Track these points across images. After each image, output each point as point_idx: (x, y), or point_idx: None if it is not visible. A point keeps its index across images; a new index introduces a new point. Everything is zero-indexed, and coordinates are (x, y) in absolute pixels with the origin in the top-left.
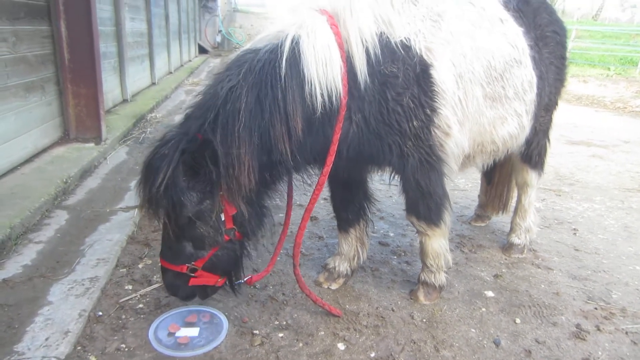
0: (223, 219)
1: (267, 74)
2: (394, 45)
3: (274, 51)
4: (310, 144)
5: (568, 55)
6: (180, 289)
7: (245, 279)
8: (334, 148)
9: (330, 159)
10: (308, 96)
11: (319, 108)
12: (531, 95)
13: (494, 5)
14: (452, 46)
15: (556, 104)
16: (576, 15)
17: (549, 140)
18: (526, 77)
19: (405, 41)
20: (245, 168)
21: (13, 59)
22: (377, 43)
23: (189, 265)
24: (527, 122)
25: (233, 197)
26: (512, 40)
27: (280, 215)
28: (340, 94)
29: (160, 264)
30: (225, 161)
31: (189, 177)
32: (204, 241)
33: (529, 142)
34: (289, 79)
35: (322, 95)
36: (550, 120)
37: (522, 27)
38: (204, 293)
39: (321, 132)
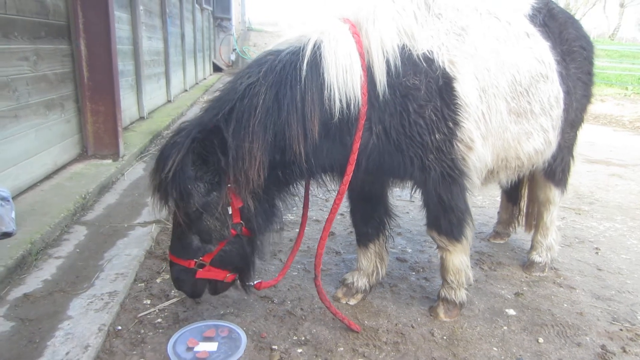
0: (230, 212)
1: (288, 74)
2: (416, 57)
3: (296, 53)
4: (326, 150)
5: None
6: (187, 284)
7: (254, 283)
8: (354, 157)
9: (351, 168)
10: (327, 100)
11: (337, 114)
12: (558, 111)
13: (520, 20)
14: (475, 60)
15: (582, 120)
16: (593, 34)
17: (573, 157)
18: (553, 92)
19: (428, 54)
20: (255, 163)
21: (34, 78)
22: (399, 55)
23: (197, 260)
24: (553, 138)
25: (240, 190)
26: (538, 55)
27: (296, 230)
28: (359, 103)
29: (168, 259)
30: (236, 153)
31: (198, 166)
32: (211, 234)
33: (553, 159)
34: (309, 82)
35: (340, 101)
36: (575, 137)
37: (549, 41)
38: (214, 288)
39: (338, 139)
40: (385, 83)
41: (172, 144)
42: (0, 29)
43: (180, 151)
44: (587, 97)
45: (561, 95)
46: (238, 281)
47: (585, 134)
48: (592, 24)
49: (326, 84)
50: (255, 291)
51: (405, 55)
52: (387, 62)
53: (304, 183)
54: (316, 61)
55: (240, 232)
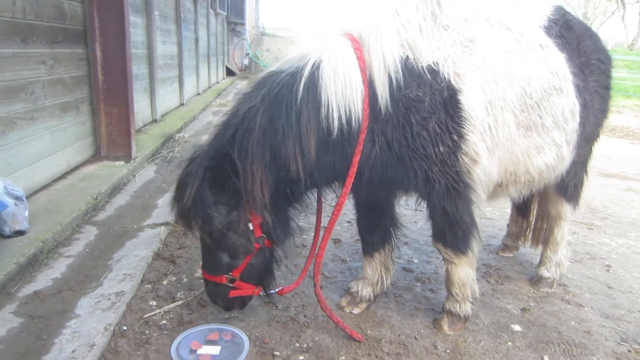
0: (252, 228)
1: (284, 97)
2: (421, 69)
3: (295, 74)
4: (328, 164)
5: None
6: (221, 299)
7: (277, 290)
8: (353, 170)
9: (350, 181)
10: (324, 119)
11: (336, 130)
12: (573, 125)
13: (534, 31)
14: (483, 72)
15: (598, 135)
16: (611, 44)
17: (586, 172)
18: (567, 105)
19: (433, 66)
20: (257, 182)
21: (50, 81)
22: (400, 68)
23: (227, 275)
24: (567, 153)
25: (253, 209)
26: (552, 68)
27: (310, 235)
28: (360, 117)
29: (202, 276)
30: (243, 175)
31: (215, 191)
32: (237, 250)
33: (566, 174)
34: (305, 102)
35: (339, 118)
36: (589, 152)
37: (565, 53)
38: (242, 303)
39: (340, 153)
40: (388, 96)
41: (187, 173)
42: (19, 34)
43: (196, 180)
44: (604, 111)
45: (577, 108)
46: (262, 292)
47: (601, 146)
48: (610, 33)
49: (323, 103)
50: (277, 297)
51: (409, 67)
52: (389, 76)
53: (316, 193)
54: (314, 81)
55: (263, 245)
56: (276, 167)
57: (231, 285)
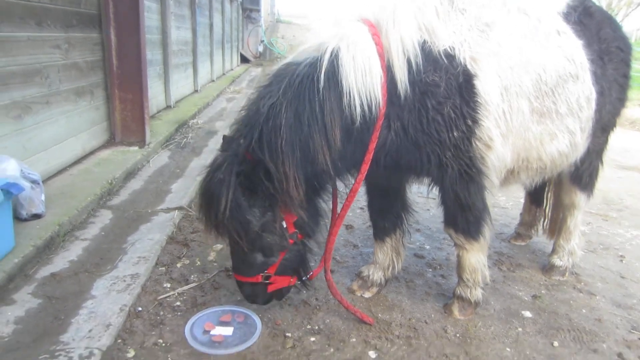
0: (285, 225)
1: (306, 88)
2: (437, 54)
3: (313, 65)
4: (350, 152)
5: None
6: (259, 297)
7: (308, 275)
8: (369, 157)
9: (365, 167)
10: (347, 107)
11: (358, 118)
12: (588, 112)
13: (552, 17)
14: (499, 57)
15: (614, 125)
16: (635, 36)
17: (602, 162)
18: (583, 92)
19: (449, 50)
20: (291, 181)
21: (65, 65)
22: (419, 52)
23: (263, 274)
24: (581, 141)
25: (289, 207)
26: (568, 54)
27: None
28: (379, 104)
29: (235, 279)
30: (277, 176)
31: (248, 196)
32: (273, 249)
33: (580, 163)
34: (327, 92)
35: (361, 105)
36: (605, 141)
37: (583, 39)
38: (280, 294)
39: (360, 140)
40: (407, 81)
41: (217, 181)
42: (34, 17)
43: (229, 187)
44: (622, 100)
45: (593, 96)
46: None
47: (620, 139)
48: (635, 25)
49: (345, 91)
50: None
51: (426, 51)
52: (408, 61)
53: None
54: (334, 70)
55: (297, 239)
56: (305, 162)
57: (267, 282)
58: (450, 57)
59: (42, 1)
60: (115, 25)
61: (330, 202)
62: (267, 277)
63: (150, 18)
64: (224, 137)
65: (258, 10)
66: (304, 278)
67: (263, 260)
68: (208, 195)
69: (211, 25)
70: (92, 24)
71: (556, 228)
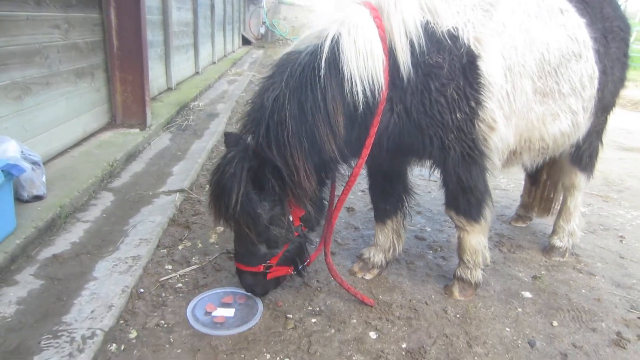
0: (291, 218)
1: (307, 77)
2: (441, 35)
3: (314, 53)
4: (355, 137)
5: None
6: (258, 287)
7: (305, 262)
8: (370, 141)
9: (366, 152)
10: (348, 94)
11: (361, 104)
12: (591, 92)
13: None
14: (503, 37)
15: (614, 104)
16: (638, 17)
17: (601, 142)
18: (586, 71)
19: (452, 31)
20: (302, 172)
21: (65, 46)
22: (422, 33)
23: (264, 264)
24: (583, 120)
25: (300, 201)
26: (571, 33)
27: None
28: (382, 88)
29: (236, 267)
30: (288, 171)
31: (258, 189)
32: (278, 241)
33: (581, 143)
34: (328, 79)
35: (363, 91)
36: (605, 121)
37: (585, 18)
38: (277, 282)
39: (364, 125)
40: (409, 63)
41: (229, 175)
42: None
43: (241, 182)
44: (622, 80)
45: (596, 74)
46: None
47: (622, 120)
48: (637, 6)
49: (346, 78)
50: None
51: (429, 32)
52: (411, 42)
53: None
54: (334, 56)
55: (301, 232)
56: (313, 152)
57: (268, 271)
58: (454, 37)
59: None
60: (115, 5)
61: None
62: (269, 267)
63: None
64: (227, 134)
65: None
66: (300, 267)
67: (267, 251)
68: (219, 189)
69: (212, 6)
70: (92, 4)
71: (550, 207)
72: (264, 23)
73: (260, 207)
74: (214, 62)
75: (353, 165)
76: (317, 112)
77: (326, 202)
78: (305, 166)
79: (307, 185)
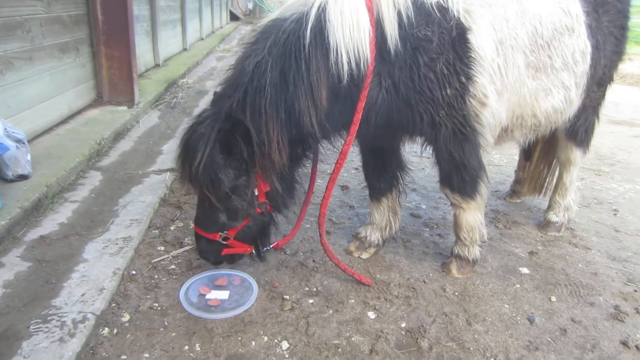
0: (256, 193)
1: (292, 45)
2: (430, 6)
3: (300, 21)
4: (338, 112)
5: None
6: (212, 255)
7: (272, 245)
8: (358, 117)
9: (354, 128)
10: (333, 65)
11: (346, 76)
12: (583, 67)
13: None
14: (494, 9)
15: (611, 78)
16: None
17: (598, 117)
18: (579, 46)
19: (442, 2)
20: (275, 144)
21: (48, 19)
22: (410, 5)
23: (222, 233)
24: (575, 96)
25: (267, 174)
26: (565, 6)
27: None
28: (367, 60)
29: (194, 230)
30: (258, 139)
31: (226, 154)
32: (238, 213)
33: (576, 118)
34: (313, 49)
35: (348, 63)
36: (602, 96)
37: None
38: (232, 259)
39: (349, 99)
40: (397, 36)
41: (198, 135)
42: None
43: (208, 143)
44: (618, 53)
45: (588, 49)
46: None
47: (610, 94)
48: None
49: (331, 48)
50: (276, 253)
51: (417, 4)
52: (399, 14)
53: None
54: (320, 25)
55: (265, 210)
56: (290, 124)
57: (224, 243)
58: (443, 9)
59: None
60: None
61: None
62: (225, 239)
63: None
64: (215, 92)
65: None
66: (262, 249)
67: (225, 221)
68: (186, 147)
69: None
70: None
71: (541, 185)
72: None
73: (224, 173)
74: (202, 39)
75: (336, 143)
76: (299, 82)
77: (298, 187)
78: (278, 138)
79: (276, 158)
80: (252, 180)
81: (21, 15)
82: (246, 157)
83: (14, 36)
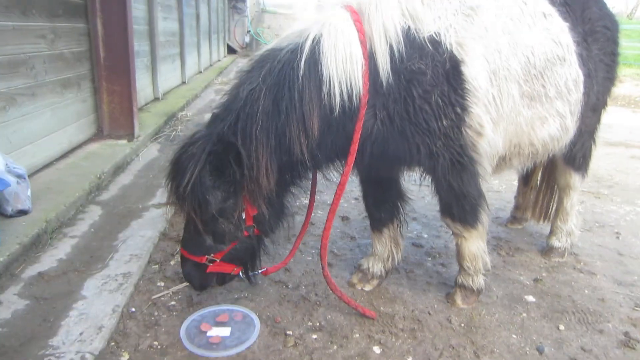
0: (244, 216)
1: (286, 75)
2: (422, 40)
3: (295, 51)
4: (331, 142)
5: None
6: (196, 278)
7: (261, 271)
8: (354, 147)
9: (351, 159)
10: (326, 96)
11: (338, 107)
12: (577, 95)
13: None
14: (485, 41)
15: (605, 103)
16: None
17: (594, 141)
18: (571, 75)
19: (434, 36)
20: (263, 169)
21: (51, 56)
22: (402, 39)
23: (208, 257)
24: (571, 124)
25: (254, 198)
26: (555, 37)
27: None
28: (360, 92)
29: (180, 253)
30: (248, 163)
31: (215, 176)
32: (225, 236)
33: (573, 144)
34: (307, 80)
35: (340, 94)
36: (597, 121)
37: (568, 22)
38: (222, 279)
39: (342, 130)
40: (389, 69)
41: (188, 155)
42: (19, 6)
43: (197, 163)
44: (610, 79)
45: (581, 78)
46: (242, 273)
47: (604, 116)
48: (610, 3)
49: (324, 79)
50: (262, 277)
51: (410, 38)
52: (391, 48)
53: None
54: (314, 57)
55: (252, 233)
56: (280, 151)
57: (210, 264)
58: (436, 43)
59: None
60: (102, 15)
61: (306, 199)
62: (212, 262)
63: (137, 8)
64: (213, 114)
65: (244, 1)
66: (251, 273)
67: (212, 244)
68: (176, 166)
69: (198, 16)
70: (78, 14)
71: (544, 211)
72: (248, 32)
73: (212, 195)
74: (200, 72)
75: (329, 172)
76: (291, 111)
77: (287, 211)
78: (267, 163)
79: (264, 182)
80: (239, 204)
81: (25, 53)
82: (238, 178)
83: (18, 73)
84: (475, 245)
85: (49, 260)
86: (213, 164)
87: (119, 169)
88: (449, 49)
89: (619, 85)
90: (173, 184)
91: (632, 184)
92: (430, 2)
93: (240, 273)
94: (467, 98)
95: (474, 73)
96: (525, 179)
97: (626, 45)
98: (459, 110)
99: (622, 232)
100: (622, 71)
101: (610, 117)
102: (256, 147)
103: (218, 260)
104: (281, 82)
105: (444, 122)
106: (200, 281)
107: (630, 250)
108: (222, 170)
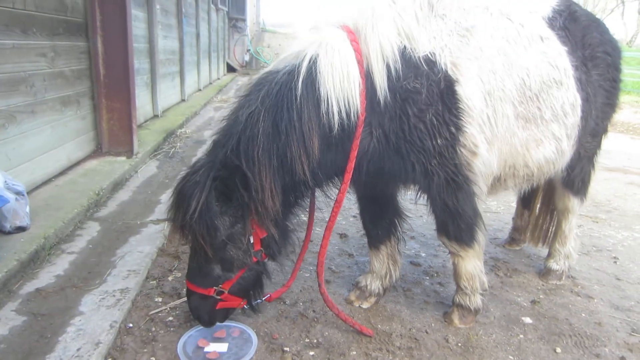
0: (252, 241)
1: (284, 97)
2: (417, 60)
3: (292, 72)
4: (330, 161)
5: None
6: (205, 312)
7: (264, 297)
8: (351, 165)
9: (348, 176)
10: (324, 115)
11: (336, 125)
12: (574, 119)
13: (535, 22)
14: (480, 62)
15: (605, 129)
16: None
17: (594, 167)
18: (568, 99)
19: (430, 56)
20: (267, 191)
21: (51, 74)
22: (399, 58)
23: (216, 288)
24: (567, 147)
25: (262, 221)
26: (552, 60)
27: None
28: (358, 111)
29: (186, 287)
30: (253, 185)
31: (222, 202)
32: (233, 263)
33: (572, 168)
34: (305, 100)
35: (339, 113)
36: (597, 146)
37: (567, 46)
38: (225, 315)
39: (341, 148)
40: (386, 87)
41: (192, 183)
42: (19, 24)
43: (203, 190)
44: (611, 105)
45: (578, 102)
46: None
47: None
48: (610, 30)
49: (322, 99)
50: (276, 304)
51: (406, 57)
52: (387, 66)
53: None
54: (312, 77)
55: (260, 259)
56: (283, 171)
57: (218, 297)
58: (431, 62)
59: (27, 9)
60: (102, 33)
61: (305, 217)
62: (220, 293)
63: (137, 27)
64: (213, 141)
65: (244, 20)
66: (254, 302)
67: (220, 273)
68: (181, 195)
69: (198, 35)
70: (78, 32)
71: (542, 235)
72: (248, 50)
73: (220, 220)
74: (200, 90)
75: (329, 190)
76: (291, 131)
77: (292, 235)
78: (271, 185)
79: (270, 204)
80: (247, 227)
81: (25, 71)
82: (245, 201)
83: (17, 91)
84: (472, 264)
85: (46, 276)
86: (219, 190)
87: (117, 185)
88: (443, 69)
89: (618, 112)
90: (179, 212)
91: (630, 210)
92: (425, 22)
93: (245, 305)
94: (462, 117)
95: (469, 93)
96: (525, 202)
97: (625, 73)
98: (453, 129)
99: (619, 257)
100: (621, 98)
101: (609, 143)
102: (259, 169)
103: (226, 292)
104: (280, 103)
105: (439, 141)
106: (210, 316)
107: (627, 275)
108: (228, 195)
